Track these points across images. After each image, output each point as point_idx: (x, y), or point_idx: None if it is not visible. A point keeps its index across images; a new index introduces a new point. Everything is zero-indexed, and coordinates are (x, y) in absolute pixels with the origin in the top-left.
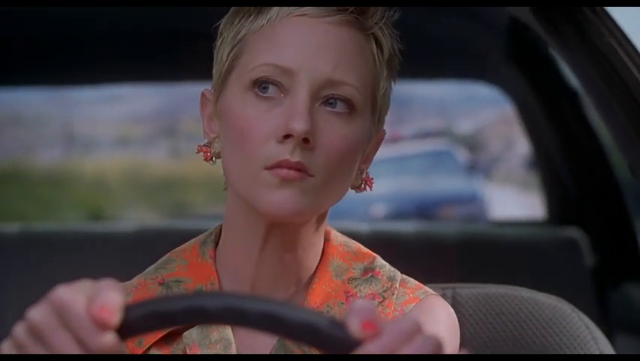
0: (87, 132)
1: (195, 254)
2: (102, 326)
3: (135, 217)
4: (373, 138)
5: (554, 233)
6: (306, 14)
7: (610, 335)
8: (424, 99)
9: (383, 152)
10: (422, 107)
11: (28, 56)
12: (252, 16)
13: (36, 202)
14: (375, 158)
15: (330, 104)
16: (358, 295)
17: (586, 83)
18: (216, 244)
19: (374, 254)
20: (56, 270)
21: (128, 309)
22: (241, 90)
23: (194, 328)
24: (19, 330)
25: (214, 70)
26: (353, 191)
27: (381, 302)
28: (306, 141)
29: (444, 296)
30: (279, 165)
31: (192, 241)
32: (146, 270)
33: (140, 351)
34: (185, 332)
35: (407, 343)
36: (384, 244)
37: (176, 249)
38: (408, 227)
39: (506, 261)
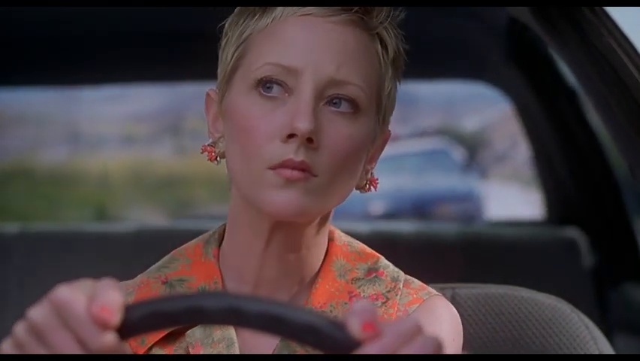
0: (92, 131)
1: (199, 253)
2: (102, 325)
3: (140, 214)
4: (378, 138)
5: (554, 233)
6: (310, 14)
7: (609, 335)
8: (429, 97)
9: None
10: (427, 105)
11: (29, 57)
12: (257, 16)
13: (41, 200)
14: None
15: (335, 103)
16: (362, 295)
17: (585, 83)
18: (220, 243)
19: (378, 255)
20: (56, 270)
21: (128, 309)
22: (245, 90)
23: (197, 327)
24: (20, 329)
25: (219, 70)
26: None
27: (384, 303)
28: (310, 140)
29: (443, 296)
30: (282, 165)
31: (196, 239)
32: (149, 268)
33: (142, 350)
34: (188, 331)
35: (407, 344)
36: (384, 244)
37: (180, 248)
38: (407, 227)
39: (506, 261)
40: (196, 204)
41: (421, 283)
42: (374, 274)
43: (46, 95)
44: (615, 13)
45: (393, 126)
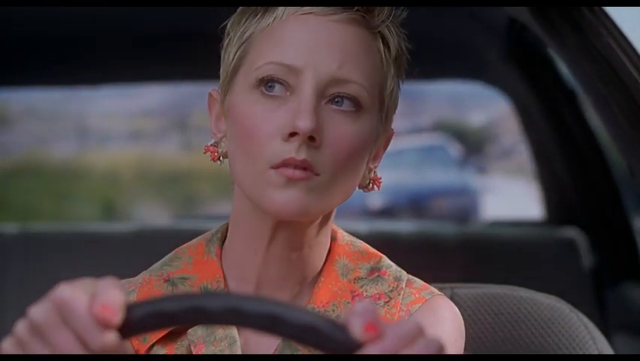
0: (100, 126)
1: (201, 252)
2: (104, 324)
3: (146, 209)
4: (381, 136)
5: (553, 233)
6: (312, 13)
7: (608, 335)
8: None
9: None
10: (435, 99)
11: (29, 57)
12: (259, 16)
13: (50, 195)
14: None
15: (337, 102)
16: (364, 295)
17: (584, 83)
18: (222, 242)
19: (380, 254)
20: (56, 270)
21: (129, 308)
22: (247, 89)
23: (199, 325)
24: (21, 327)
25: (221, 69)
26: None
27: (387, 302)
28: (311, 139)
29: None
30: (284, 164)
31: (198, 238)
32: (152, 266)
33: (144, 347)
34: (190, 329)
35: (409, 345)
36: (383, 244)
37: (182, 246)
38: (407, 227)
39: (505, 261)
40: (201, 199)
41: (423, 282)
42: (377, 274)
43: (54, 92)
44: (614, 13)
45: (396, 122)
